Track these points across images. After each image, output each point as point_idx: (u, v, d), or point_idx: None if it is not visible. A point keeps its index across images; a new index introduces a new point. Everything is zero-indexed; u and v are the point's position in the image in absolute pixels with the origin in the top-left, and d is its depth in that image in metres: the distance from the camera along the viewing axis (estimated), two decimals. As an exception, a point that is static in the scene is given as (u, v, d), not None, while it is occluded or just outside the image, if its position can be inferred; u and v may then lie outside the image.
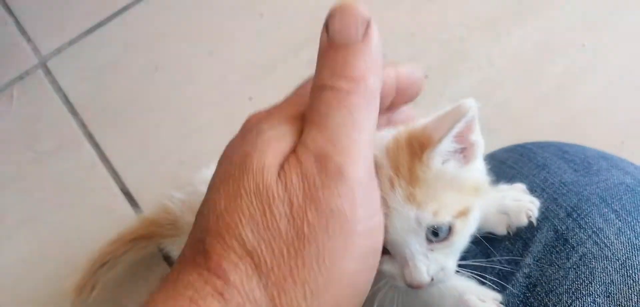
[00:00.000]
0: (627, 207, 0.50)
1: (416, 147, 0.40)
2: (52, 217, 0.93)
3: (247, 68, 1.04)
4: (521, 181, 0.56)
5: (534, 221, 0.52)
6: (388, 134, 0.42)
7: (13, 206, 0.94)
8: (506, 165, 0.62)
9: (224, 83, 1.03)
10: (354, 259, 0.30)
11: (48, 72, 1.05)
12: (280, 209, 0.29)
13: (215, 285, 0.28)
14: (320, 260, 0.29)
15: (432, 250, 0.41)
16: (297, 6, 1.09)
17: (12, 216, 0.93)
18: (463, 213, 0.41)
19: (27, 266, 0.90)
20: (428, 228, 0.40)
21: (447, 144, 0.40)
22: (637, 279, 0.44)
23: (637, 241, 0.46)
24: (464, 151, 0.42)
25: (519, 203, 0.53)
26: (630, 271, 0.45)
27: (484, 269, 0.53)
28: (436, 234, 0.41)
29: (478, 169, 0.44)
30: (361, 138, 0.30)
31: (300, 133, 0.32)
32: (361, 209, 0.30)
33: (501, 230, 0.53)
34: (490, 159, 0.67)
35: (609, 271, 0.45)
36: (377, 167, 0.39)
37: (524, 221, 0.52)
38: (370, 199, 0.31)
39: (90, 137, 0.99)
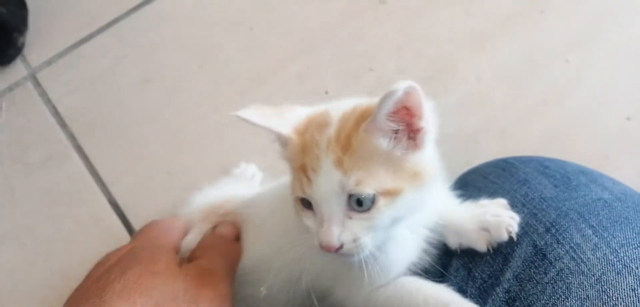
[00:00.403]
0: (604, 223, 0.51)
1: (361, 120, 0.43)
2: (41, 229, 0.93)
3: (237, 81, 1.05)
4: (503, 195, 0.57)
5: (515, 236, 0.53)
6: (354, 102, 0.46)
7: (1, 217, 0.94)
8: (488, 179, 0.63)
9: (214, 96, 1.03)
10: None
11: (37, 84, 1.05)
12: None
13: None
14: None
15: (350, 218, 0.43)
16: (287, 21, 1.10)
17: (1, 227, 0.93)
18: (390, 193, 0.43)
19: (15, 277, 0.90)
20: (351, 196, 0.42)
21: (382, 121, 0.42)
22: (611, 295, 0.45)
23: (613, 256, 0.47)
24: (411, 135, 0.44)
25: (500, 219, 0.54)
26: (605, 287, 0.46)
27: (465, 283, 0.55)
28: (360, 204, 0.42)
29: (426, 157, 0.45)
30: None
31: None
32: None
33: (482, 247, 0.54)
34: (474, 173, 0.69)
35: (585, 286, 0.46)
36: (324, 127, 0.43)
37: (504, 236, 0.53)
38: None
39: (79, 149, 0.99)
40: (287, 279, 0.55)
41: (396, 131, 0.43)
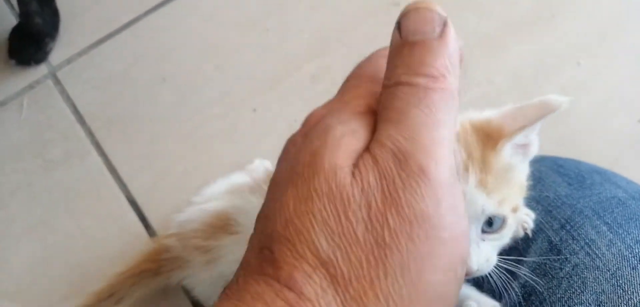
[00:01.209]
0: (619, 220, 0.52)
1: (483, 137, 0.39)
2: (60, 224, 0.95)
3: (252, 81, 1.06)
4: (517, 194, 0.58)
5: (530, 233, 0.54)
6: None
7: (21, 212, 0.96)
8: (503, 179, 0.64)
9: (229, 95, 1.05)
10: (441, 270, 0.26)
11: (58, 82, 1.07)
12: (357, 214, 0.25)
13: (288, 298, 0.25)
14: (405, 270, 0.25)
15: (483, 240, 0.41)
16: (302, 22, 1.12)
17: (21, 222, 0.95)
18: (515, 209, 0.42)
19: (34, 272, 0.91)
20: (488, 217, 0.39)
21: (521, 136, 0.39)
22: (626, 289, 0.46)
23: (627, 252, 0.48)
24: (525, 147, 0.42)
25: (516, 216, 0.55)
26: (621, 281, 0.47)
27: (482, 278, 0.56)
28: (490, 224, 0.40)
29: (525, 170, 0.45)
30: (443, 137, 0.27)
31: (373, 130, 0.28)
32: (447, 213, 0.26)
33: None
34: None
35: (600, 281, 0.48)
36: None
37: (520, 233, 0.54)
38: (454, 203, 0.27)
39: (97, 146, 1.01)
40: None
41: (522, 146, 0.41)
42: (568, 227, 0.53)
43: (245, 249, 0.29)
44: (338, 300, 0.25)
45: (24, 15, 1.05)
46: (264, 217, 0.28)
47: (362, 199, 0.25)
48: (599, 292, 0.47)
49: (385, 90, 0.29)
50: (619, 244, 0.49)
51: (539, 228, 0.55)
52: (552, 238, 0.53)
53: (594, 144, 0.97)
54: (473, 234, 0.40)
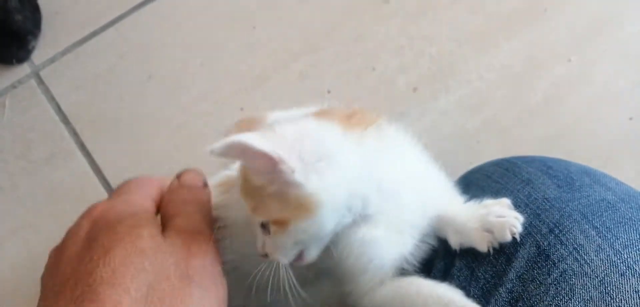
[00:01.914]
0: (608, 224, 0.51)
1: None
2: (44, 226, 0.93)
3: (239, 79, 1.05)
4: (506, 195, 0.57)
5: (518, 237, 0.53)
6: (299, 113, 0.53)
7: (5, 214, 0.94)
8: (492, 179, 0.63)
9: (216, 93, 1.04)
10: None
11: (41, 81, 1.05)
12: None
13: None
14: None
15: (268, 236, 0.49)
16: (288, 19, 1.10)
17: (4, 224, 0.93)
18: (279, 223, 0.47)
19: (18, 274, 0.90)
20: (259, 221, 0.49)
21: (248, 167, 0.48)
22: (614, 297, 0.45)
23: (616, 258, 0.47)
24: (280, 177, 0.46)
25: (503, 220, 0.54)
26: (609, 288, 0.46)
27: (468, 283, 0.55)
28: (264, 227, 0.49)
29: (317, 189, 0.46)
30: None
31: None
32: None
33: (482, 247, 0.54)
34: (477, 172, 0.69)
35: (588, 288, 0.47)
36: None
37: (507, 237, 0.53)
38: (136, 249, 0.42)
39: (82, 146, 0.99)
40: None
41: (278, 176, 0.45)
42: (557, 231, 0.52)
43: None
44: None
45: (3, 11, 1.02)
46: None
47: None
48: (587, 299, 0.46)
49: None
50: (607, 249, 0.48)
51: (527, 232, 0.54)
52: (541, 243, 0.52)
53: (586, 141, 0.96)
54: (258, 231, 0.50)
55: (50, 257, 0.48)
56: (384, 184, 0.51)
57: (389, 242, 0.52)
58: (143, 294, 0.38)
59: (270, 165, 0.44)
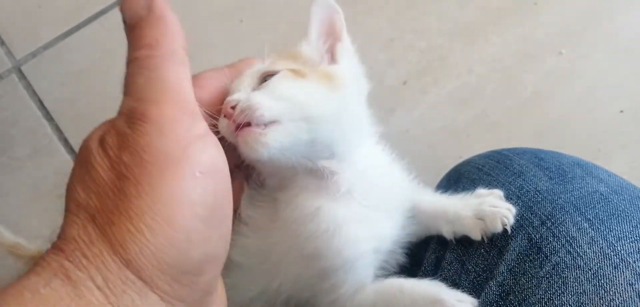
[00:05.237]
0: (600, 216, 0.50)
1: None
2: (27, 223, 0.91)
3: (226, 73, 1.03)
4: (498, 187, 0.56)
5: (509, 229, 0.52)
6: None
7: (-14, 212, 0.92)
8: (483, 171, 0.62)
9: (203, 88, 1.02)
10: (175, 175, 0.33)
11: (22, 76, 1.03)
12: (101, 164, 0.33)
13: (56, 245, 0.32)
14: (139, 187, 0.32)
15: (259, 88, 0.47)
16: (276, 13, 1.09)
17: (-15, 222, 0.91)
18: (295, 71, 0.48)
19: (1, 273, 0.88)
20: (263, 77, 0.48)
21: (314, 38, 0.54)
22: (608, 289, 0.44)
23: (609, 250, 0.46)
24: (330, 51, 0.55)
25: (495, 210, 0.53)
26: (602, 281, 0.45)
27: (458, 276, 0.54)
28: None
29: (343, 69, 0.53)
30: (166, 87, 0.35)
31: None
32: (172, 138, 0.34)
33: (476, 235, 0.53)
34: (468, 164, 0.68)
35: (581, 280, 0.46)
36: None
37: (499, 228, 0.52)
38: (184, 129, 0.35)
39: (65, 142, 0.97)
40: (264, 290, 0.53)
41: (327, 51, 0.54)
42: (549, 223, 0.51)
43: None
44: (96, 229, 0.32)
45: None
46: None
47: (104, 154, 0.34)
48: (580, 292, 0.45)
49: (126, 71, 0.37)
50: (600, 241, 0.47)
51: (518, 224, 0.52)
52: (532, 235, 0.51)
53: (577, 134, 0.95)
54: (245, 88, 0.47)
55: None
56: (358, 162, 0.51)
57: (364, 218, 0.51)
58: None
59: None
